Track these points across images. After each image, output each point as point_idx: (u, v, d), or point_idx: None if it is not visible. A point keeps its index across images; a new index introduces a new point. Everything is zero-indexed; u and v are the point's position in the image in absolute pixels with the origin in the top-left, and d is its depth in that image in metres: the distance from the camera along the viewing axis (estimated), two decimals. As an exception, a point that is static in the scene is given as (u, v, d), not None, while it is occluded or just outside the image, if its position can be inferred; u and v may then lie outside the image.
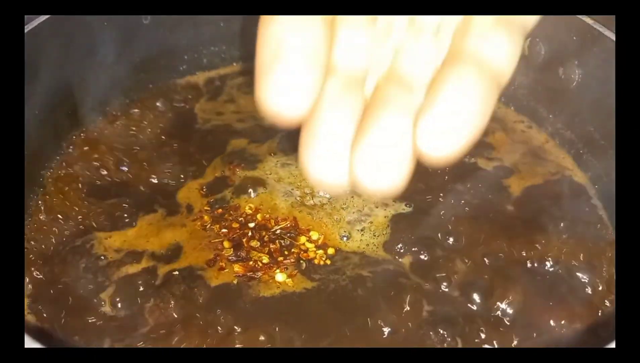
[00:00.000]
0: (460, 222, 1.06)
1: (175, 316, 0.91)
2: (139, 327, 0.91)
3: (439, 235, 1.04)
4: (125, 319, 0.92)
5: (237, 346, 0.87)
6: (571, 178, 1.16)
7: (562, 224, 1.05)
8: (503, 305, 0.93)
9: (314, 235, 1.05)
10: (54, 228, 1.04)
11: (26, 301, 0.93)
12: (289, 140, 1.23)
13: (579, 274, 0.97)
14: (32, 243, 1.02)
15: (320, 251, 1.02)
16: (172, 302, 0.92)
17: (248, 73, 1.45)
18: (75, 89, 1.19)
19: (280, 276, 0.97)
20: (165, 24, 1.32)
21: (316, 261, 1.00)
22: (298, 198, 1.11)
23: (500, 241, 1.03)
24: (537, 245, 1.03)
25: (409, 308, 0.92)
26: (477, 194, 1.12)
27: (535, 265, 1.00)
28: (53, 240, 1.02)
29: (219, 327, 0.90)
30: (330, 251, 1.02)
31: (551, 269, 0.99)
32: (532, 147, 1.25)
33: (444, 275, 0.97)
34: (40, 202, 1.08)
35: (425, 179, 1.13)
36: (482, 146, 1.23)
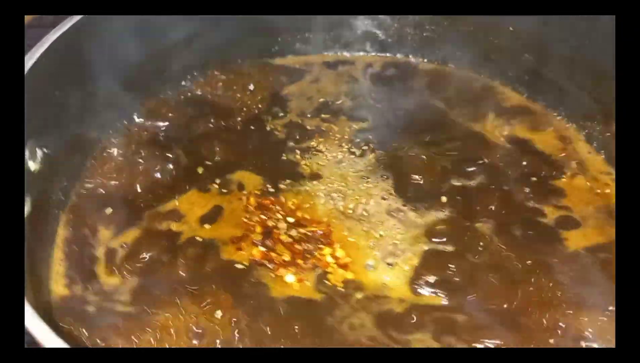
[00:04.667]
0: (495, 270, 0.96)
1: (183, 275, 0.94)
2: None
3: (468, 280, 0.95)
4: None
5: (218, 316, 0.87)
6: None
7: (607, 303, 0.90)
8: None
9: (339, 252, 0.98)
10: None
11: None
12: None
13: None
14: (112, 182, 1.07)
15: (341, 271, 0.96)
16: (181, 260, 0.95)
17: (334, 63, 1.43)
18: (153, 62, 1.22)
19: (290, 277, 0.94)
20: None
21: (331, 277, 0.94)
22: (341, 206, 1.07)
23: (526, 305, 0.91)
24: (565, 322, 0.89)
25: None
26: (525, 242, 1.01)
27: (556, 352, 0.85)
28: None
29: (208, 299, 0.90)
30: (349, 275, 0.95)
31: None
32: (610, 204, 1.08)
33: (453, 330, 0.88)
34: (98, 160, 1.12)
35: (476, 217, 1.05)
36: (553, 193, 1.10)
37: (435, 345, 0.87)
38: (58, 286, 0.93)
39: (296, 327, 0.87)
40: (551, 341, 0.87)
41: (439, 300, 0.93)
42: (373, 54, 1.44)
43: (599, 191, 1.12)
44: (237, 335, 0.87)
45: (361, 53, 1.44)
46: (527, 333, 0.88)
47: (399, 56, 1.44)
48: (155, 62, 1.23)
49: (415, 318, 0.90)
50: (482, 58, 1.34)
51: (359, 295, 0.93)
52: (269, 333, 0.87)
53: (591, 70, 1.17)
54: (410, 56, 1.43)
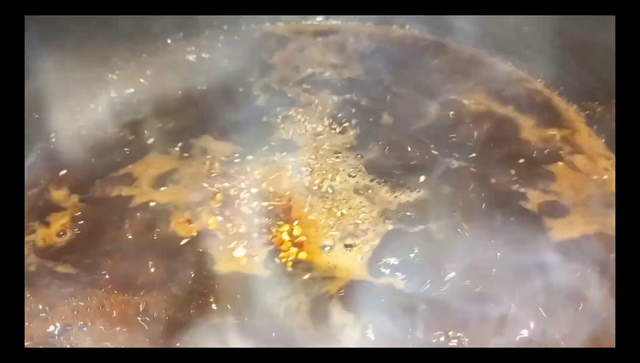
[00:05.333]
0: (462, 256, 0.86)
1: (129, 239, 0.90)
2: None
3: (431, 264, 0.86)
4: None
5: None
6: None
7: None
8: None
9: (297, 230, 0.91)
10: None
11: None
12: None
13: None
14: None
15: (294, 250, 0.89)
16: (127, 223, 0.91)
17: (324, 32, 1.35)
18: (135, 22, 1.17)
19: (240, 251, 0.88)
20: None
21: (283, 255, 0.88)
22: (306, 180, 0.99)
23: (492, 297, 0.81)
24: (529, 320, 0.79)
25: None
26: (503, 228, 0.91)
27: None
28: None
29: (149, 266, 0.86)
30: (302, 255, 0.88)
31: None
32: (606, 192, 0.98)
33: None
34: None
35: (453, 197, 0.96)
36: (542, 176, 1.00)
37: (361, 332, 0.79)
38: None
39: (229, 305, 0.81)
40: (519, 337, 0.79)
41: (397, 284, 0.85)
42: (367, 23, 1.36)
43: (595, 177, 1.01)
44: (163, 310, 0.82)
45: (354, 22, 1.36)
46: (488, 329, 0.79)
47: (394, 26, 1.35)
48: (137, 22, 1.18)
49: (355, 303, 0.82)
50: (481, 31, 1.24)
51: (305, 276, 0.85)
52: (199, 308, 0.81)
53: (595, 47, 1.06)
54: (407, 26, 1.34)
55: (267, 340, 0.77)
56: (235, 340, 0.77)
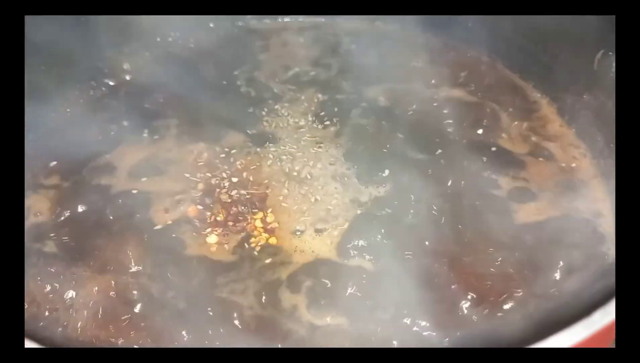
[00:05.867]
0: (431, 238, 0.90)
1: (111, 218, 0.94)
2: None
3: (398, 246, 0.89)
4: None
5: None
6: (598, 226, 0.92)
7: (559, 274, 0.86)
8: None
9: (270, 217, 0.94)
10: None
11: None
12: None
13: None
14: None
15: (265, 236, 0.92)
16: (107, 208, 0.95)
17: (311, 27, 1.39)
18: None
19: (212, 238, 0.92)
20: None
21: (253, 241, 0.91)
22: (287, 167, 1.03)
23: (456, 279, 0.84)
24: (492, 299, 0.82)
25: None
26: (469, 211, 0.94)
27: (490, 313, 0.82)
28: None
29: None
30: (272, 240, 0.91)
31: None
32: (573, 179, 1.01)
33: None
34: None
35: (422, 183, 0.99)
36: (512, 164, 1.02)
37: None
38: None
39: (184, 282, 0.85)
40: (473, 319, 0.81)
41: (366, 264, 0.88)
42: (353, 19, 1.37)
43: (563, 164, 1.04)
44: (134, 291, 0.86)
45: (339, 20, 1.39)
46: (453, 313, 0.82)
47: (377, 23, 1.39)
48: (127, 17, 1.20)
49: (313, 288, 0.86)
50: (459, 26, 1.26)
51: (267, 260, 0.89)
52: (158, 283, 0.86)
53: (566, 40, 1.08)
54: (390, 23, 1.37)
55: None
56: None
